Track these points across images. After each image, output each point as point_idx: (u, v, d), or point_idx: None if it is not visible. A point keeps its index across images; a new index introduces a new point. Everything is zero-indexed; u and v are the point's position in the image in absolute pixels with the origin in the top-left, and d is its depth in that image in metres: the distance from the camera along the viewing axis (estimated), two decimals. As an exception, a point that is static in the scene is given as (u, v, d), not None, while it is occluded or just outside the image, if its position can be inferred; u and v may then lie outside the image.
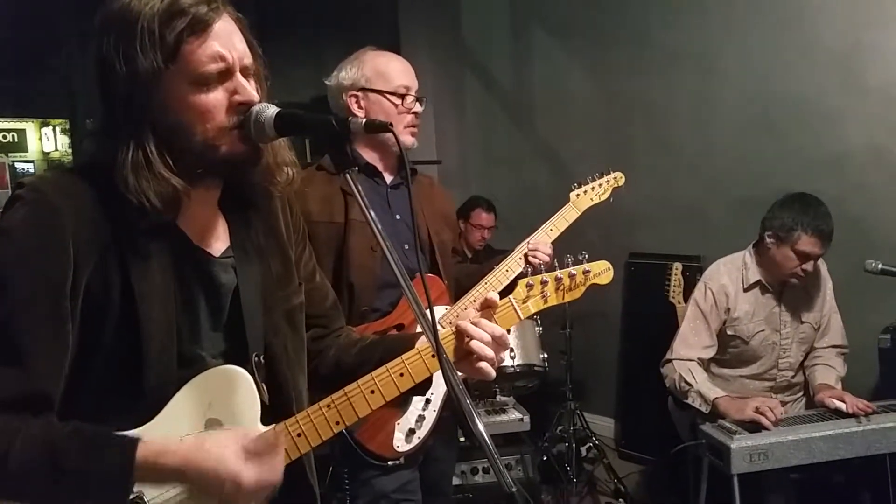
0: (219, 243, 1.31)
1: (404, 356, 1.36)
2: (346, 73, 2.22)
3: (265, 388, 1.32)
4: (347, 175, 1.16)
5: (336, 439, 1.34)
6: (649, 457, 4.29)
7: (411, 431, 2.12)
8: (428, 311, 1.13)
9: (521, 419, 3.70)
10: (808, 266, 2.82)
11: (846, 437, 2.58)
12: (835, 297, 3.09)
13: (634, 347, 4.54)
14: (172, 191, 1.16)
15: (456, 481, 3.40)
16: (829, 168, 3.60)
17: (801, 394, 3.11)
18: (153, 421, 1.19)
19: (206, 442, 1.16)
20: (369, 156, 2.22)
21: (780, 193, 2.96)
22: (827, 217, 2.79)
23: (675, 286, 3.52)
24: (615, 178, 2.57)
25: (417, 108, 2.23)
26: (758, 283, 2.98)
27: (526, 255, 2.34)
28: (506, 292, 1.47)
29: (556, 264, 1.51)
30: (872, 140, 3.52)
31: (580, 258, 1.53)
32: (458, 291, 2.34)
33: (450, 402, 2.17)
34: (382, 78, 2.19)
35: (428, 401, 2.15)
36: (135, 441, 1.12)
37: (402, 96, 2.19)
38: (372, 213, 1.15)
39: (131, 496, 1.13)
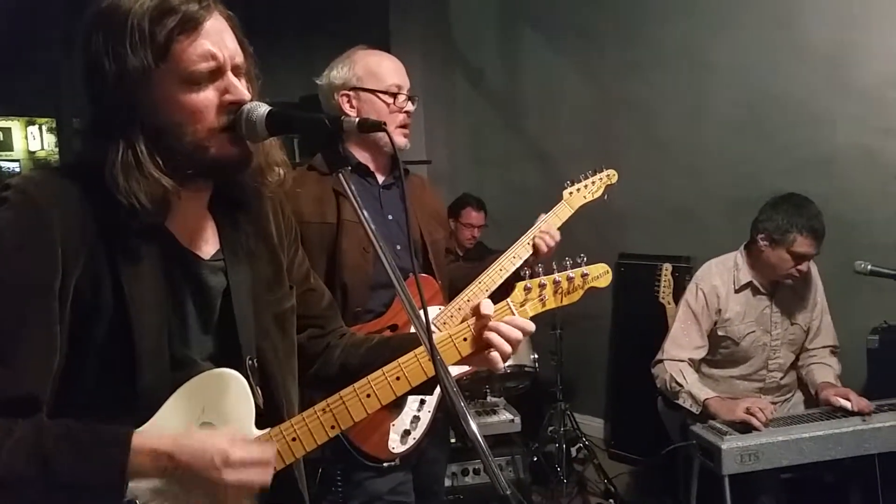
0: (208, 246, 1.29)
1: (400, 360, 1.35)
2: (338, 73, 2.20)
3: (259, 391, 1.30)
4: (340, 175, 1.14)
5: (331, 440, 1.32)
6: (639, 457, 4.30)
7: (406, 432, 2.10)
8: (422, 312, 1.12)
9: (512, 420, 3.70)
10: (803, 266, 2.84)
11: (837, 438, 2.59)
12: (825, 298, 3.10)
13: (624, 348, 4.54)
14: (162, 191, 1.14)
15: (447, 482, 3.38)
16: (819, 169, 3.62)
17: (790, 395, 3.12)
18: (147, 424, 1.17)
19: (199, 429, 1.17)
20: (361, 155, 2.20)
21: (770, 194, 2.97)
22: (819, 217, 2.80)
23: (664, 287, 3.53)
24: (608, 175, 2.54)
25: (409, 107, 2.22)
26: (749, 284, 2.99)
27: (535, 244, 2.30)
28: (503, 294, 1.46)
29: (555, 266, 1.49)
30: (861, 141, 3.54)
31: (578, 261, 1.51)
32: (453, 291, 2.32)
33: (443, 402, 2.16)
34: (374, 77, 2.17)
35: (423, 401, 2.14)
36: (128, 433, 1.11)
37: (395, 95, 2.18)
38: (365, 214, 1.13)
39: (125, 500, 1.12)
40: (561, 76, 4.85)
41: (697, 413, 2.84)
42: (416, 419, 2.12)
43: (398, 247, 2.17)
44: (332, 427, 1.30)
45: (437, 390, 2.09)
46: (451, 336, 1.37)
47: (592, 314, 4.52)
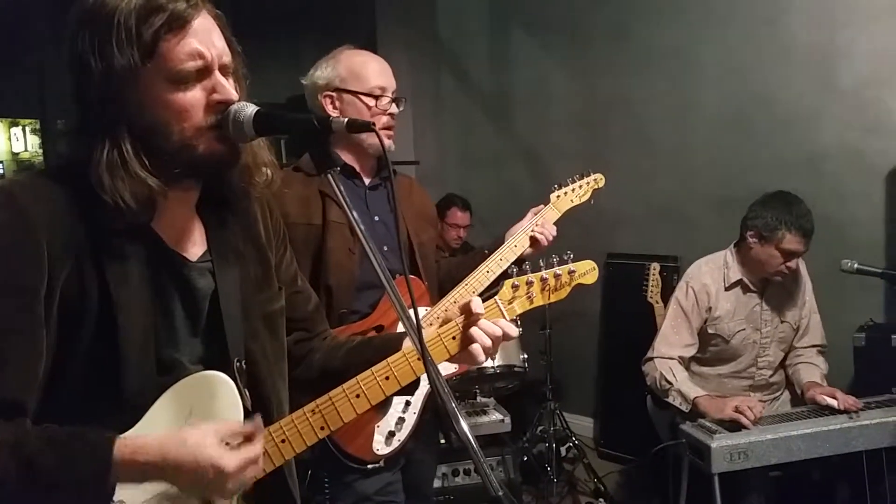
0: (195, 248, 1.28)
1: (390, 359, 1.35)
2: (322, 73, 2.19)
3: (247, 393, 1.30)
4: (329, 176, 1.13)
5: (316, 444, 1.32)
6: (629, 456, 4.30)
7: (391, 434, 2.10)
8: (412, 312, 1.11)
9: (502, 420, 3.69)
10: (792, 263, 2.86)
11: (825, 436, 2.60)
12: (814, 297, 3.12)
13: (613, 347, 4.55)
14: (148, 191, 1.13)
15: (437, 483, 3.38)
16: (805, 168, 3.64)
17: (779, 393, 3.14)
18: (134, 428, 1.16)
19: (183, 433, 1.12)
20: (347, 157, 2.19)
21: (757, 193, 2.99)
22: (809, 214, 2.82)
23: (653, 286, 3.54)
24: (595, 179, 2.55)
25: (393, 109, 2.20)
26: (739, 282, 3.01)
27: (532, 235, 2.31)
28: (489, 295, 1.46)
29: (542, 264, 1.50)
30: (847, 140, 3.56)
31: (565, 258, 1.52)
32: (447, 285, 2.32)
33: (431, 404, 2.16)
34: (357, 78, 2.15)
35: (408, 403, 2.13)
36: (111, 440, 1.08)
37: (377, 97, 2.16)
38: (355, 215, 1.13)
39: (111, 504, 1.10)
40: (549, 76, 4.86)
41: (687, 411, 2.85)
42: (401, 420, 2.11)
43: (385, 248, 2.16)
44: (322, 428, 1.29)
45: (422, 391, 2.11)
46: (439, 335, 1.37)
47: (581, 313, 4.53)
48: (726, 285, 3.02)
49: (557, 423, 4.10)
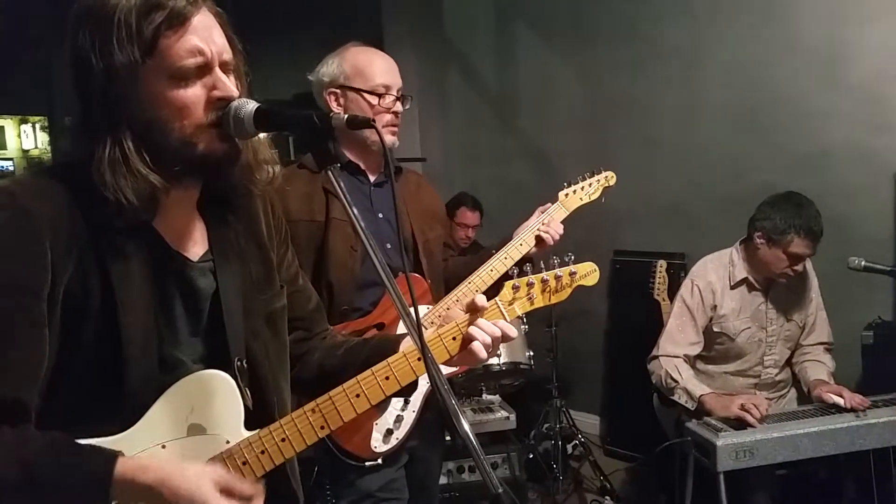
0: (196, 247, 1.28)
1: (390, 360, 1.34)
2: (327, 69, 2.18)
3: (248, 392, 1.30)
4: (330, 172, 1.13)
5: (317, 443, 1.32)
6: (635, 454, 4.29)
7: (389, 432, 2.09)
8: (412, 310, 1.11)
9: (507, 417, 3.69)
10: (799, 267, 2.84)
11: (831, 434, 2.59)
12: (820, 295, 3.11)
13: (620, 345, 4.54)
14: (150, 188, 1.13)
15: (443, 480, 3.38)
16: (812, 165, 3.62)
17: (785, 391, 3.12)
18: (135, 426, 1.17)
19: (187, 467, 1.15)
20: (352, 154, 2.19)
21: (764, 191, 2.98)
22: (818, 217, 2.80)
23: (659, 284, 3.53)
24: (606, 177, 2.50)
25: (398, 107, 2.18)
26: (744, 280, 2.99)
27: (539, 236, 2.29)
28: (492, 292, 1.46)
29: (543, 265, 1.49)
30: (855, 137, 3.54)
31: (566, 259, 1.51)
32: (454, 284, 2.31)
33: (432, 402, 2.15)
34: (361, 76, 2.14)
35: (407, 401, 2.13)
36: (113, 458, 1.10)
37: (381, 95, 2.15)
38: (355, 211, 1.13)
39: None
40: (556, 73, 4.85)
41: (693, 409, 2.84)
42: (399, 419, 2.11)
43: (388, 245, 2.16)
44: (322, 427, 1.29)
45: (421, 390, 2.10)
46: (439, 335, 1.37)
47: (587, 311, 4.53)
48: (731, 283, 3.00)
49: (563, 420, 4.09)
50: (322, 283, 2.05)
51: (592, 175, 2.50)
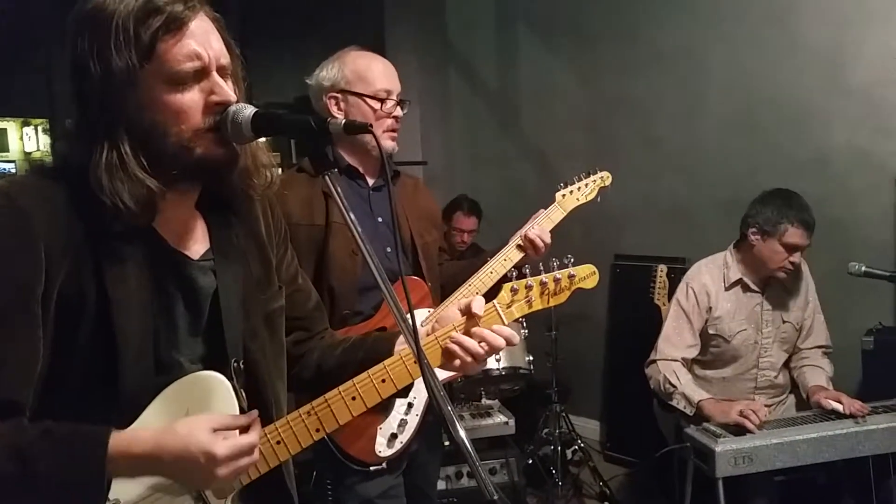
0: (197, 245, 1.28)
1: (386, 362, 1.34)
2: (327, 73, 2.18)
3: (244, 394, 1.30)
4: (327, 177, 1.13)
5: (318, 444, 1.32)
6: (635, 459, 4.29)
7: (393, 436, 2.09)
8: (409, 315, 1.11)
9: (507, 422, 3.68)
10: (795, 258, 2.85)
11: (830, 440, 2.59)
12: (817, 298, 3.11)
13: (620, 350, 4.53)
14: (147, 192, 1.13)
15: (441, 486, 3.37)
16: (814, 169, 3.61)
17: (784, 395, 3.12)
18: (129, 428, 1.16)
19: (175, 424, 1.15)
20: (351, 158, 2.19)
21: (765, 194, 2.98)
22: (809, 208, 2.84)
23: (659, 288, 3.52)
24: (602, 177, 2.52)
25: (398, 112, 2.19)
26: (739, 281, 3.00)
27: (520, 245, 2.28)
28: (491, 295, 1.45)
29: (542, 268, 1.49)
30: (856, 141, 3.53)
31: (565, 262, 1.51)
32: (449, 289, 2.31)
33: (433, 406, 2.15)
34: (362, 81, 2.15)
35: (410, 405, 2.13)
36: (106, 433, 1.10)
37: (382, 100, 2.15)
38: (351, 216, 1.13)
39: (108, 502, 1.11)
40: (556, 76, 4.85)
41: (691, 414, 2.84)
42: (403, 423, 2.11)
43: (388, 249, 2.16)
44: (317, 430, 1.29)
45: (425, 394, 2.10)
46: (436, 338, 1.36)
47: (588, 315, 4.52)
48: (726, 285, 3.01)
49: (563, 425, 4.07)
50: (323, 288, 2.05)
51: (588, 175, 2.52)
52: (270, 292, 1.39)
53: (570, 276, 1.50)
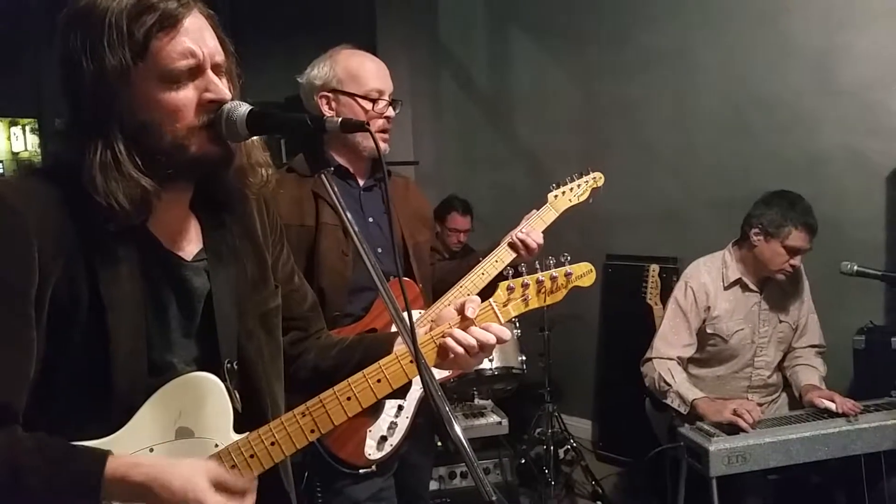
0: (191, 246, 1.27)
1: (381, 362, 1.33)
2: (318, 72, 2.17)
3: (238, 394, 1.28)
4: (322, 176, 1.12)
5: (308, 447, 1.31)
6: (627, 459, 4.29)
7: (383, 439, 2.08)
8: (405, 314, 1.10)
9: (499, 422, 3.68)
10: (796, 261, 2.86)
11: (823, 439, 2.60)
12: (811, 297, 3.11)
13: (612, 349, 4.54)
14: (142, 192, 1.12)
15: (434, 486, 3.37)
16: (805, 169, 3.63)
17: (777, 394, 3.13)
18: (122, 430, 1.15)
19: (178, 462, 1.14)
20: (341, 158, 2.17)
21: (756, 195, 2.99)
22: (812, 212, 2.84)
23: (651, 288, 3.53)
24: (594, 178, 2.51)
25: (390, 112, 2.18)
26: (738, 281, 3.01)
27: (512, 243, 2.26)
28: (486, 294, 1.45)
29: (538, 266, 1.48)
30: (848, 141, 3.55)
31: (562, 260, 1.50)
32: (441, 289, 2.30)
33: (424, 407, 2.14)
34: (354, 81, 2.13)
35: (401, 407, 2.11)
36: (104, 455, 1.09)
37: (374, 101, 2.14)
38: (348, 215, 1.12)
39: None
40: (549, 77, 4.85)
41: (685, 413, 2.84)
42: (393, 425, 2.10)
43: (379, 249, 2.14)
44: (312, 431, 1.28)
45: (415, 396, 2.09)
46: (432, 338, 1.36)
47: (580, 315, 4.52)
48: (725, 284, 3.01)
49: (556, 425, 4.08)
50: (313, 289, 2.03)
51: (581, 176, 2.50)
52: (266, 292, 1.38)
53: (567, 275, 1.49)
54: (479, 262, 2.28)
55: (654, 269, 3.56)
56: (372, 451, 2.06)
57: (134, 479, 1.09)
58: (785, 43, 3.72)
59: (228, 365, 1.27)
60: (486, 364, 3.33)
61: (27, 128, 7.06)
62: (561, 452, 4.17)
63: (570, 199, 2.45)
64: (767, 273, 2.93)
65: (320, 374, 1.45)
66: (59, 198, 1.12)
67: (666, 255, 4.07)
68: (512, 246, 2.27)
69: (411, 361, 1.30)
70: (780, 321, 3.04)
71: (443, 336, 1.35)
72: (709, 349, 3.06)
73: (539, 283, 1.46)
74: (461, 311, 1.37)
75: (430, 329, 1.38)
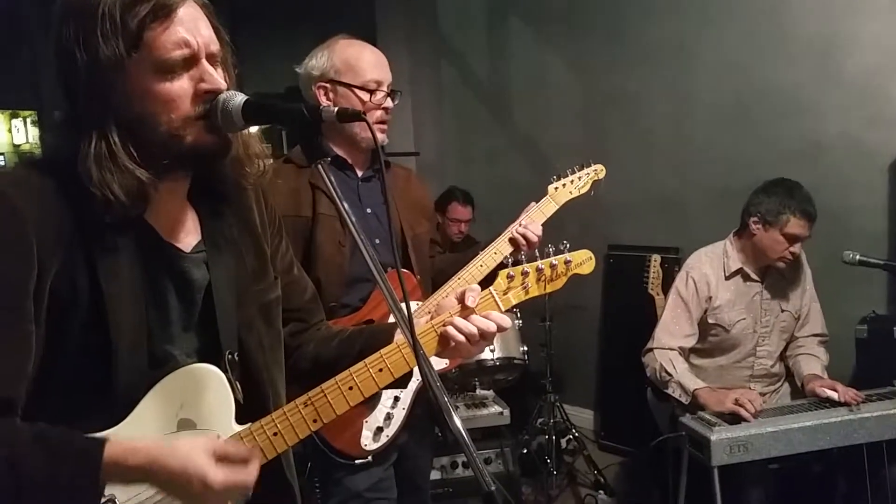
0: (189, 238, 1.27)
1: (383, 351, 1.33)
2: (316, 62, 2.15)
3: (239, 386, 1.28)
4: (319, 166, 1.11)
5: (306, 438, 1.31)
6: (629, 448, 4.30)
7: (379, 429, 2.08)
8: (403, 305, 1.10)
9: (501, 412, 3.68)
10: (796, 248, 2.85)
11: (825, 428, 2.59)
12: (814, 286, 3.11)
13: (614, 339, 4.54)
14: (138, 183, 1.11)
15: (436, 475, 3.38)
16: (806, 159, 3.62)
17: (779, 384, 3.12)
18: (124, 422, 1.15)
19: (176, 441, 1.13)
20: (339, 148, 2.16)
21: (758, 184, 2.97)
22: (811, 199, 2.83)
23: (653, 278, 3.52)
24: (595, 170, 2.48)
25: (388, 103, 2.16)
26: (739, 270, 3.00)
27: (513, 238, 2.24)
28: (487, 283, 1.44)
29: (538, 254, 1.48)
30: (848, 131, 3.54)
31: (561, 248, 1.50)
32: (440, 280, 2.29)
33: (422, 398, 2.14)
34: (352, 71, 2.12)
35: (397, 399, 2.11)
36: (102, 442, 1.08)
37: (372, 91, 2.12)
38: (345, 205, 1.11)
39: (103, 500, 1.10)
40: (549, 68, 4.84)
41: (687, 403, 2.84)
42: (389, 416, 2.09)
43: (377, 241, 2.13)
44: (315, 421, 1.28)
45: (412, 386, 2.09)
46: (433, 326, 1.35)
47: (582, 306, 4.52)
48: (726, 274, 3.01)
49: (557, 415, 4.09)
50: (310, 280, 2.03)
51: (582, 168, 2.48)
52: (266, 283, 1.37)
53: (567, 262, 1.49)
54: (478, 255, 2.27)
55: (656, 259, 3.56)
56: (368, 441, 2.06)
57: (132, 463, 1.09)
58: (785, 32, 3.71)
59: (229, 356, 1.27)
60: (487, 354, 3.33)
61: (28, 120, 7.05)
62: (563, 442, 4.18)
63: (570, 192, 2.43)
64: (768, 262, 2.92)
65: (321, 365, 1.44)
66: (56, 190, 1.12)
67: (667, 245, 4.07)
68: (512, 241, 2.25)
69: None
70: (782, 310, 3.03)
71: (443, 325, 1.34)
72: (710, 339, 3.05)
73: (539, 270, 1.46)
74: (461, 299, 1.36)
75: (431, 319, 1.38)
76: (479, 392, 3.81)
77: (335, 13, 5.43)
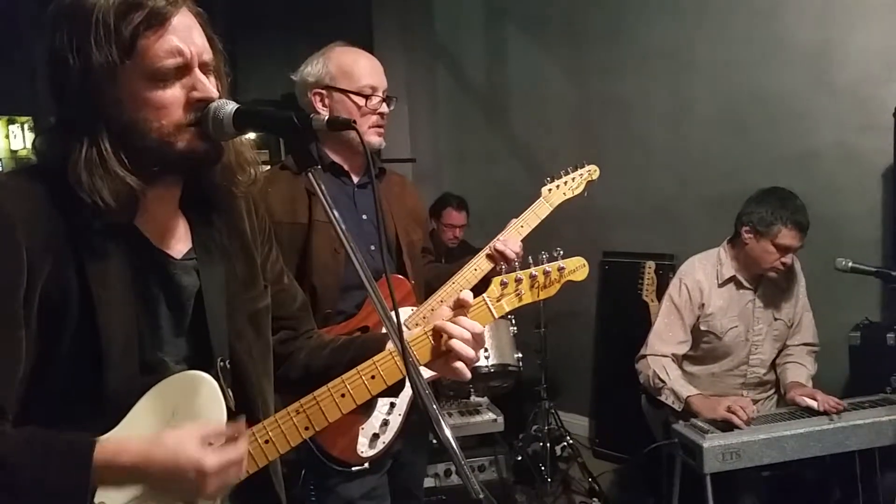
0: (180, 244, 1.27)
1: (375, 358, 1.33)
2: (311, 69, 2.16)
3: (231, 393, 1.28)
4: (310, 174, 1.12)
5: (301, 445, 1.31)
6: (623, 455, 4.30)
7: (375, 436, 2.08)
8: (393, 313, 1.10)
9: (495, 419, 3.68)
10: (787, 259, 2.85)
11: (817, 435, 2.60)
12: (806, 295, 3.11)
13: (608, 346, 4.54)
14: (128, 189, 1.12)
15: (430, 483, 3.37)
16: (800, 166, 3.63)
17: (772, 391, 3.12)
18: (115, 429, 1.14)
19: (164, 435, 1.12)
20: (336, 155, 2.17)
21: (752, 191, 2.98)
22: (804, 210, 2.83)
23: (648, 285, 3.53)
24: (589, 171, 2.49)
25: (384, 108, 2.17)
26: (732, 278, 3.00)
27: (490, 255, 2.24)
28: (480, 291, 1.45)
29: (531, 261, 1.48)
30: (842, 138, 3.55)
31: (555, 255, 1.50)
32: (429, 291, 2.30)
33: (417, 405, 2.13)
34: (347, 77, 2.13)
35: (393, 405, 2.11)
36: (92, 442, 1.08)
37: (368, 97, 2.13)
38: (335, 213, 1.11)
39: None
40: (545, 73, 4.85)
41: (680, 410, 2.84)
42: (385, 423, 2.10)
43: (372, 247, 2.14)
44: (307, 428, 1.28)
45: (407, 393, 2.08)
46: (425, 332, 1.35)
47: (576, 312, 4.52)
48: (719, 282, 3.01)
49: (552, 422, 4.08)
50: (305, 287, 2.02)
51: (576, 169, 2.48)
52: (255, 291, 1.37)
53: (560, 269, 1.49)
54: (456, 272, 2.26)
55: (651, 266, 3.56)
56: (364, 448, 2.06)
57: (122, 463, 1.08)
58: (780, 39, 3.72)
59: (221, 363, 1.27)
60: (482, 361, 3.33)
61: (25, 126, 7.04)
62: (557, 449, 4.18)
63: (564, 193, 2.43)
64: (760, 271, 2.93)
65: (312, 374, 1.44)
66: (47, 195, 1.12)
67: (662, 251, 4.08)
68: (490, 257, 2.25)
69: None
70: (775, 318, 3.03)
71: (434, 329, 1.34)
72: (703, 346, 3.05)
73: (532, 277, 1.46)
74: (456, 304, 1.36)
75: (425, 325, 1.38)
76: (473, 399, 3.81)
77: (332, 20, 5.44)
